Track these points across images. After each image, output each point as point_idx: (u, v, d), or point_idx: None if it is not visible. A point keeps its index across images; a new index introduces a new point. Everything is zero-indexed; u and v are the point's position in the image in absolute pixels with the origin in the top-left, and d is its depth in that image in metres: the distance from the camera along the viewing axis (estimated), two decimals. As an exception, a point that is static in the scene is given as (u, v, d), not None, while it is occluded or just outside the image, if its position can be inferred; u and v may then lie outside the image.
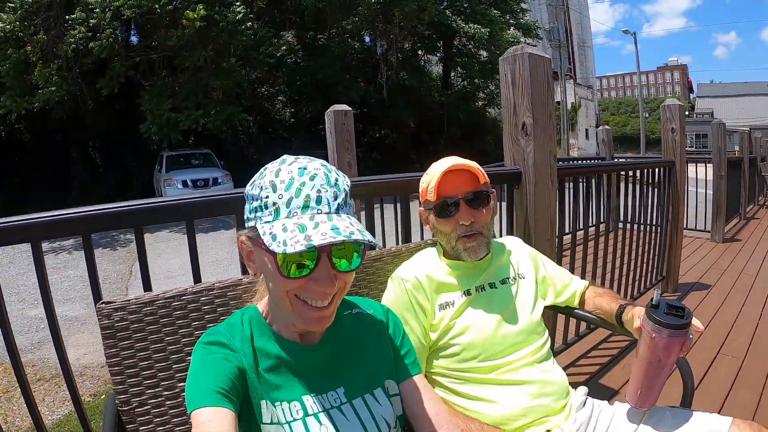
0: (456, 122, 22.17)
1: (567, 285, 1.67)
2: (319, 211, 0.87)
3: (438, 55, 23.07)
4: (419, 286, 1.44)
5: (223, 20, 13.52)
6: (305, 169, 0.90)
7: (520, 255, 1.63)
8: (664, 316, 1.22)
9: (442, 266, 1.53)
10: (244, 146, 20.55)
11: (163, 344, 1.12)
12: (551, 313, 2.38)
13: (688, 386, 1.46)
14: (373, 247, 0.99)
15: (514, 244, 1.68)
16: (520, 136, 2.32)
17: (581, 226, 3.20)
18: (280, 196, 0.87)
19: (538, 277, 1.62)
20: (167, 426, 1.11)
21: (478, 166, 1.48)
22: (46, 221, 1.26)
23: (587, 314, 1.64)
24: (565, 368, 1.61)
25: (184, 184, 13.51)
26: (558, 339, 3.02)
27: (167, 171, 14.25)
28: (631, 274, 3.93)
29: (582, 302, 1.66)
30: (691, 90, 68.90)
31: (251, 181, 0.93)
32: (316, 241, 0.80)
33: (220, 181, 14.00)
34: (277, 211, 0.87)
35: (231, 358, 0.92)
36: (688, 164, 7.36)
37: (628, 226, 4.01)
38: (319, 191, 0.87)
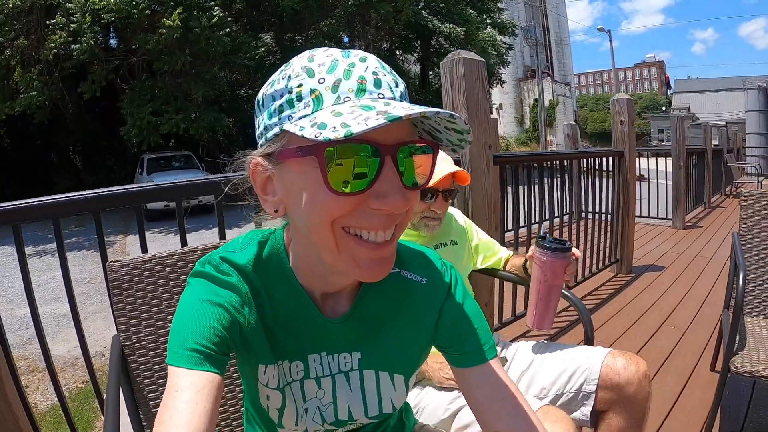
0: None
1: (495, 253, 2.00)
2: (381, 95, 0.65)
3: (415, 54, 23.36)
4: None
5: (199, 26, 13.68)
6: (350, 51, 0.68)
7: (456, 224, 1.92)
8: (549, 243, 1.55)
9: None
10: (224, 148, 20.29)
11: (158, 293, 1.39)
12: (499, 285, 2.76)
13: (587, 333, 1.75)
14: (437, 146, 0.70)
15: (454, 214, 1.96)
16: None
17: (547, 216, 3.59)
18: (322, 80, 0.64)
19: (471, 244, 1.93)
20: (161, 357, 1.37)
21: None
22: (60, 202, 1.63)
23: (507, 273, 1.98)
24: (513, 341, 1.90)
25: None
26: (507, 312, 3.30)
27: (148, 173, 14.34)
28: (587, 260, 4.34)
29: (505, 267, 1.99)
30: (668, 86, 69.75)
31: (267, 82, 0.72)
32: (401, 112, 0.56)
33: None
34: (318, 99, 0.64)
35: (231, 307, 0.76)
36: (658, 157, 7.78)
37: (579, 215, 4.39)
38: (375, 73, 0.66)
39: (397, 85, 0.68)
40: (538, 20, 45.25)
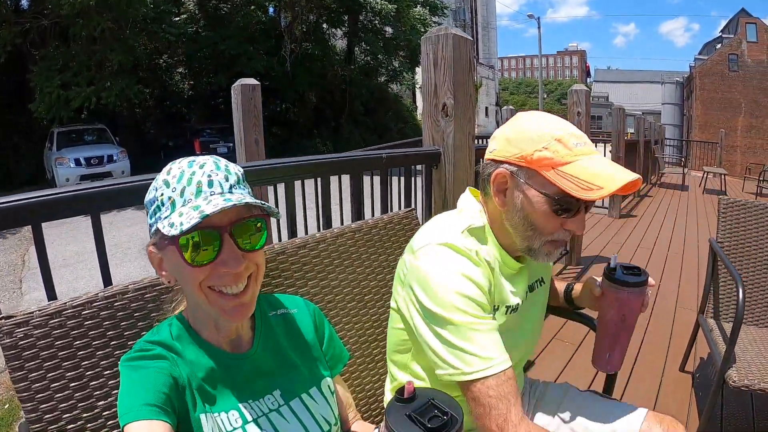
0: (358, 97, 22.22)
1: None
2: (213, 193, 0.87)
3: (343, 29, 22.80)
4: (488, 275, 1.12)
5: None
6: (194, 161, 0.90)
7: None
8: (624, 276, 1.29)
9: (499, 257, 1.18)
10: (140, 121, 19.48)
11: (76, 360, 0.98)
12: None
13: (609, 381, 1.55)
14: (268, 216, 0.93)
15: None
16: (440, 117, 2.29)
17: None
18: (174, 189, 0.87)
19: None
20: None
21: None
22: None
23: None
24: None
25: (77, 162, 12.66)
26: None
27: (58, 149, 13.29)
28: None
29: None
30: (588, 74, 72.36)
31: (147, 193, 0.92)
32: (208, 210, 0.81)
33: (115, 158, 13.24)
34: (173, 204, 0.86)
35: (165, 370, 0.89)
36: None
37: None
38: (209, 176, 0.88)
39: (227, 179, 0.89)
40: (468, 2, 45.43)
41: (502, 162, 1.11)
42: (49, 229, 1.24)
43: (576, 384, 1.49)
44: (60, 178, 12.46)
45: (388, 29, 22.33)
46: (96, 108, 14.60)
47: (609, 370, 1.40)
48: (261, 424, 0.95)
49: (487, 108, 43.56)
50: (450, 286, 1.05)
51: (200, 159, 0.91)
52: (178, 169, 0.89)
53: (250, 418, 0.94)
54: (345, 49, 23.71)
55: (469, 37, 2.29)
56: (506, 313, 1.17)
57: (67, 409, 0.96)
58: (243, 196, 0.88)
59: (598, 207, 7.35)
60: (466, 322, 1.03)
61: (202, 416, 0.90)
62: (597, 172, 1.03)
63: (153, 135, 19.02)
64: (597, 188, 1.01)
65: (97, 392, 0.99)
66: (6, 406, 3.43)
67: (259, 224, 0.91)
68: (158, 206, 0.88)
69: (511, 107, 8.41)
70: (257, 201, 0.87)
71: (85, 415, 0.97)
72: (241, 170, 0.94)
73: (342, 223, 1.78)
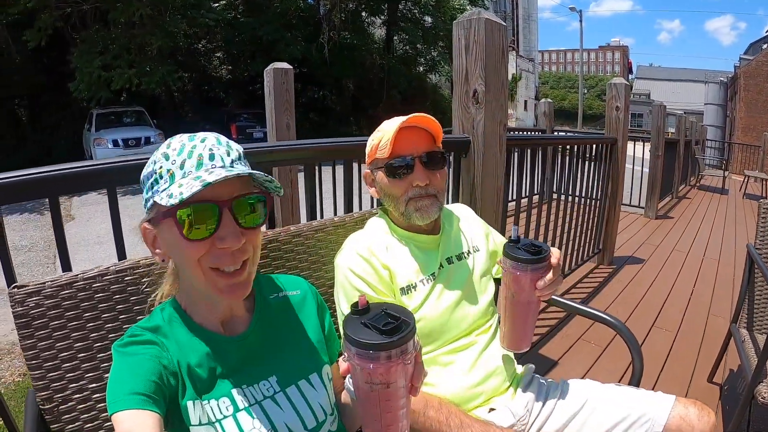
0: (396, 86, 22.09)
1: None
2: (214, 166, 0.86)
3: (382, 18, 22.72)
4: (373, 273, 1.31)
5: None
6: (195, 135, 0.90)
7: (473, 225, 1.56)
8: (514, 250, 1.21)
9: (395, 242, 1.40)
10: (179, 104, 19.79)
11: (85, 332, 0.99)
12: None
13: (636, 366, 1.48)
14: (269, 195, 0.92)
15: (463, 212, 1.60)
16: (470, 104, 2.24)
17: (517, 196, 3.25)
18: (173, 162, 0.85)
19: (489, 249, 1.55)
20: (95, 423, 1.00)
21: (437, 124, 1.36)
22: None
23: None
24: None
25: (115, 143, 12.74)
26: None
27: (97, 130, 13.38)
28: (570, 244, 4.00)
29: None
30: (630, 71, 70.57)
31: (145, 166, 0.90)
32: (210, 179, 0.80)
33: (152, 140, 13.21)
34: (172, 177, 0.85)
35: (154, 356, 0.86)
36: (631, 141, 7.62)
37: (566, 198, 4.06)
38: (211, 149, 0.87)
39: (228, 154, 0.88)
40: (509, -7, 44.93)
41: (368, 166, 1.43)
42: (85, 207, 1.28)
43: (601, 386, 1.47)
44: (98, 159, 12.41)
45: (428, 19, 22.20)
46: (135, 91, 14.76)
47: (508, 348, 1.33)
48: (253, 412, 0.92)
49: (526, 101, 43.00)
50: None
51: (201, 134, 0.90)
52: (178, 142, 0.88)
53: (242, 406, 0.91)
54: (384, 38, 23.64)
55: (503, 23, 2.23)
56: (425, 283, 1.36)
57: (74, 378, 0.97)
58: (245, 168, 0.88)
59: (634, 206, 7.17)
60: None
61: (189, 403, 0.87)
62: (386, 128, 1.34)
63: (191, 119, 19.12)
64: (383, 140, 1.32)
65: (105, 364, 1.00)
66: (25, 376, 3.53)
67: (259, 201, 0.90)
68: (156, 179, 0.86)
69: (549, 100, 8.20)
70: (262, 173, 0.87)
71: (91, 386, 0.98)
72: (242, 149, 0.94)
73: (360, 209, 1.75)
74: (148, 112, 15.39)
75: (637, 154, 7.00)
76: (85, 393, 0.98)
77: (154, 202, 0.85)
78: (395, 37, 23.27)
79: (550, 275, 1.20)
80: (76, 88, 13.68)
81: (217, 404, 0.90)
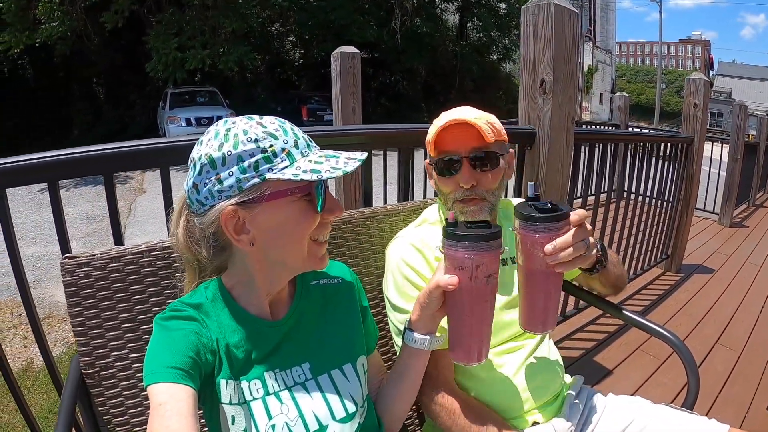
0: (469, 74, 21.91)
1: None
2: (317, 148, 0.92)
3: (455, 4, 22.49)
4: (426, 265, 1.27)
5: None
6: (268, 118, 0.91)
7: None
8: (526, 208, 1.05)
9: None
10: (251, 85, 20.29)
11: (129, 304, 1.03)
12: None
13: (691, 388, 1.39)
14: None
15: None
16: (537, 94, 2.17)
17: (584, 194, 3.13)
18: (286, 141, 0.86)
19: None
20: (134, 390, 1.04)
21: (493, 120, 1.28)
22: (7, 168, 1.16)
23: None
24: (559, 341, 1.53)
25: (188, 122, 13.33)
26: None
27: (171, 108, 14.07)
28: (637, 247, 3.86)
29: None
30: (711, 67, 67.14)
31: (216, 146, 0.85)
32: (349, 167, 0.86)
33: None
34: (289, 155, 0.86)
35: (194, 333, 0.88)
36: (709, 142, 7.22)
37: (636, 198, 3.89)
38: (302, 135, 0.91)
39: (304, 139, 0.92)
40: (587, -19, 43.55)
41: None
42: (157, 180, 1.38)
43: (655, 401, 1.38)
44: (171, 136, 13.08)
45: (502, 6, 21.85)
46: (209, 71, 15.48)
47: (522, 327, 1.15)
48: (282, 397, 0.93)
49: (601, 94, 41.75)
50: None
51: (271, 117, 0.91)
52: (270, 123, 0.87)
53: (272, 390, 0.93)
54: (457, 24, 23.41)
55: (574, 9, 2.15)
56: None
57: (116, 347, 1.02)
58: (340, 154, 0.92)
59: (708, 212, 6.81)
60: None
61: (223, 381, 0.89)
62: (436, 122, 1.28)
63: (263, 100, 19.66)
64: (430, 134, 1.28)
65: (146, 336, 1.04)
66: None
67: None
68: (267, 157, 0.83)
69: (624, 94, 7.90)
70: (362, 157, 0.91)
71: (131, 355, 1.02)
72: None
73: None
74: (220, 92, 15.93)
75: (715, 156, 6.69)
76: (125, 362, 1.02)
77: (267, 179, 0.84)
78: (468, 24, 23.03)
79: (565, 238, 1.02)
80: (153, 68, 14.34)
81: (249, 386, 0.91)
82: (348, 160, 0.87)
